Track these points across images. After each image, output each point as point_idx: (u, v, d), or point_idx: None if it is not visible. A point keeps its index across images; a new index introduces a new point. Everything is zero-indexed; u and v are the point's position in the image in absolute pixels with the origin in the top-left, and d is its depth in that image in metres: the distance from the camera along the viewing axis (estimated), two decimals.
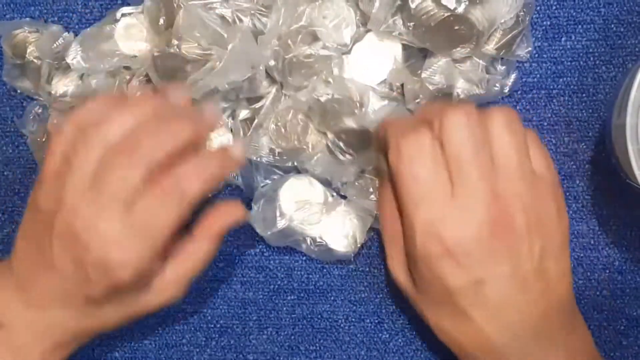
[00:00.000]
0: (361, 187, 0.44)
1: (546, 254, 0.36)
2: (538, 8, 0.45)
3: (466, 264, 0.35)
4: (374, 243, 0.47)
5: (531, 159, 0.36)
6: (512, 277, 0.35)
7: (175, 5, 0.42)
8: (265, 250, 0.46)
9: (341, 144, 0.43)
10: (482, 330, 0.36)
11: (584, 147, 0.45)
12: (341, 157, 0.43)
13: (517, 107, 0.45)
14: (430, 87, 0.43)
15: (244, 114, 0.45)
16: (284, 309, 0.47)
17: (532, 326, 0.36)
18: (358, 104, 0.42)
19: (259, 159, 0.45)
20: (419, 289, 0.38)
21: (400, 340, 0.47)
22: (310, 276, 0.47)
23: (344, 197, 0.46)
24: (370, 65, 0.43)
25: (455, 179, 0.35)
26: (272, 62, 0.43)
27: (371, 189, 0.45)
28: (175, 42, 0.40)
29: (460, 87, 0.43)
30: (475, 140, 0.35)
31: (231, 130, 0.46)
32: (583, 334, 0.39)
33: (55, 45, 0.45)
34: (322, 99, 0.42)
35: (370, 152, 0.43)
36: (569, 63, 0.45)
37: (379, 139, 0.39)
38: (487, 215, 0.34)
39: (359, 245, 0.44)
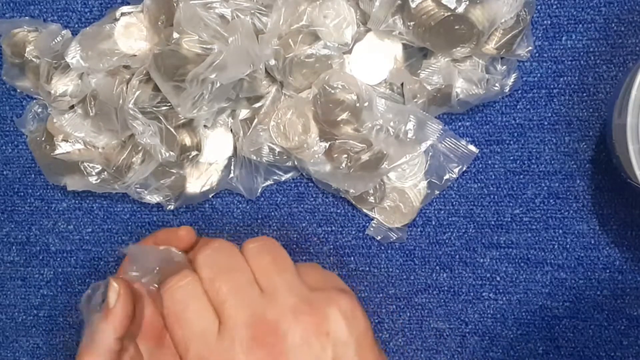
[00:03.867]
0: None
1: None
2: (538, 7, 0.44)
3: None
4: (374, 243, 0.47)
5: (303, 276, 0.36)
6: None
7: (175, 4, 0.42)
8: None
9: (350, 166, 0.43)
10: None
11: (585, 146, 0.45)
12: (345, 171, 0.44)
13: (518, 106, 0.45)
14: (429, 87, 0.43)
15: (244, 113, 0.45)
16: None
17: None
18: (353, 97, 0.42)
19: (259, 159, 0.45)
20: None
21: (400, 340, 0.47)
22: None
23: (344, 199, 0.46)
24: (371, 64, 0.43)
25: (219, 313, 0.35)
26: (272, 62, 0.43)
27: (371, 191, 0.45)
28: (176, 35, 0.40)
29: (460, 86, 0.43)
30: (229, 267, 0.35)
31: (231, 130, 0.46)
32: None
33: (54, 43, 0.44)
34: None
35: (377, 171, 0.43)
36: (569, 62, 0.45)
37: None
38: (251, 337, 0.34)
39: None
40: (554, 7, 0.45)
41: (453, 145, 0.45)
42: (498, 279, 0.46)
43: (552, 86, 0.45)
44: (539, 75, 0.45)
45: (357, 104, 0.42)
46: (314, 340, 0.34)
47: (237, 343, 0.34)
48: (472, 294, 0.46)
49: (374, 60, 0.43)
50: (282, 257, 0.37)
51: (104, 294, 0.38)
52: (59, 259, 0.49)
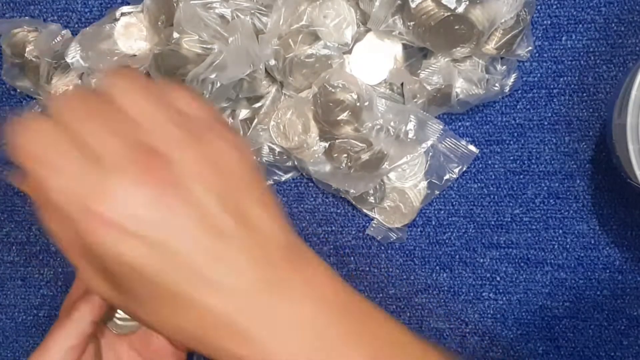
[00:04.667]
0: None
1: (233, 196, 0.30)
2: (538, 7, 0.44)
3: (141, 233, 0.28)
4: (374, 243, 0.47)
5: (178, 103, 0.31)
6: (199, 228, 0.29)
7: (174, 4, 0.42)
8: None
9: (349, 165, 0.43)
10: (203, 305, 0.30)
11: (585, 146, 0.45)
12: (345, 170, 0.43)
13: (518, 107, 0.45)
14: (429, 88, 0.43)
15: (244, 113, 0.45)
16: None
17: (258, 278, 0.30)
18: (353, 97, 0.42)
19: (259, 159, 0.45)
20: (121, 291, 0.31)
21: None
22: None
23: (344, 199, 0.46)
24: (371, 64, 0.43)
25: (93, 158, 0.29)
26: (272, 62, 0.43)
27: (371, 191, 0.45)
28: (176, 35, 0.40)
29: (460, 86, 0.43)
30: (93, 111, 0.30)
31: None
32: (321, 269, 0.34)
33: (54, 43, 0.45)
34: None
35: (378, 172, 0.43)
36: (569, 62, 0.45)
37: None
38: (137, 170, 0.29)
39: None
40: (554, 7, 0.45)
41: (453, 146, 0.45)
42: (498, 279, 0.46)
43: (552, 86, 0.45)
44: (539, 75, 0.45)
45: (358, 104, 0.42)
46: (207, 169, 0.30)
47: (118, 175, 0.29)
48: (472, 294, 0.46)
49: (374, 61, 0.43)
50: (154, 87, 0.31)
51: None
52: (59, 259, 0.49)
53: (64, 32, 0.45)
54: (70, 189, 0.29)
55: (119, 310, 0.42)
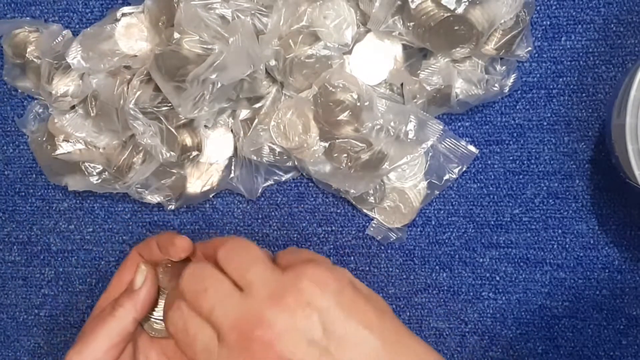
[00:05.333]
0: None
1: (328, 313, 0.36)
2: (538, 8, 0.45)
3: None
4: (374, 243, 0.47)
5: (277, 259, 0.39)
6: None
7: (175, 4, 0.42)
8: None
9: (349, 165, 0.43)
10: None
11: (584, 146, 0.45)
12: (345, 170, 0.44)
13: (517, 107, 0.45)
14: (428, 88, 0.43)
15: (244, 113, 0.45)
16: None
17: None
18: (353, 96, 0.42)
19: (259, 159, 0.45)
20: None
21: None
22: None
23: (344, 199, 0.46)
24: (371, 65, 0.43)
25: (213, 327, 0.36)
26: (272, 62, 0.43)
27: (371, 191, 0.45)
28: (176, 36, 0.40)
29: (459, 87, 0.44)
30: (206, 287, 0.37)
31: (232, 131, 0.46)
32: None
33: (55, 44, 0.45)
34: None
35: (378, 172, 0.43)
36: (568, 63, 0.45)
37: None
38: (242, 337, 0.35)
39: None
40: (554, 7, 0.45)
41: (453, 146, 0.45)
42: (497, 278, 0.46)
43: (551, 86, 0.45)
44: (538, 75, 0.45)
45: (358, 104, 0.42)
46: (299, 316, 0.35)
47: (232, 346, 0.35)
48: (471, 293, 0.46)
49: (373, 61, 0.43)
50: (250, 251, 0.38)
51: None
52: (60, 259, 0.49)
53: (65, 32, 0.45)
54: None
55: (155, 309, 0.43)
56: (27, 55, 0.46)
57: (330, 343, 0.34)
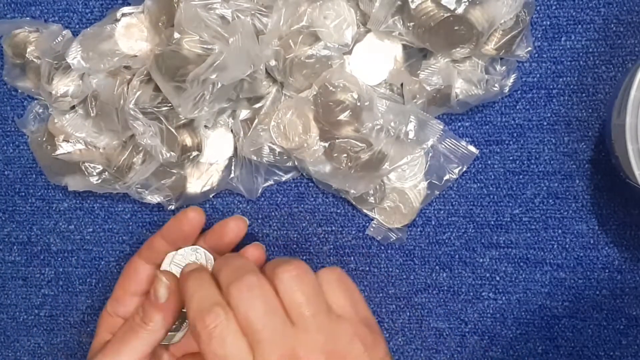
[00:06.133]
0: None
1: None
2: (538, 8, 0.45)
3: None
4: (374, 243, 0.47)
5: (331, 301, 0.37)
6: None
7: (175, 4, 0.42)
8: (265, 250, 0.47)
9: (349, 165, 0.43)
10: None
11: (584, 146, 0.45)
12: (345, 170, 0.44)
13: (517, 107, 0.45)
14: (428, 88, 0.43)
15: (244, 114, 0.45)
16: None
17: None
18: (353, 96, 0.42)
19: (259, 160, 0.45)
20: None
21: (400, 339, 0.47)
22: None
23: (346, 200, 0.46)
24: (371, 65, 0.43)
25: (253, 348, 0.35)
26: (273, 62, 0.43)
27: (371, 191, 0.45)
28: (176, 36, 0.40)
29: (459, 87, 0.44)
30: (263, 307, 0.36)
31: (232, 131, 0.46)
32: None
33: (55, 44, 0.45)
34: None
35: (378, 172, 0.43)
36: (568, 63, 0.45)
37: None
38: None
39: None
40: (553, 7, 0.45)
41: (453, 146, 0.45)
42: (497, 278, 0.46)
43: (551, 87, 0.45)
44: (538, 75, 0.45)
45: (358, 104, 0.42)
46: None
47: None
48: (471, 293, 0.46)
49: (373, 61, 0.43)
50: (312, 288, 0.37)
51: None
52: (60, 259, 0.49)
53: (64, 32, 0.45)
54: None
55: None
56: (27, 55, 0.46)
57: None
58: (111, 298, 0.44)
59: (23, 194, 0.49)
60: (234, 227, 0.44)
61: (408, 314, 0.47)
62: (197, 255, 0.43)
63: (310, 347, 0.35)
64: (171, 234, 0.43)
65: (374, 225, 0.46)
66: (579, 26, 0.45)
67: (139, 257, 0.44)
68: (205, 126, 0.45)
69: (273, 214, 0.47)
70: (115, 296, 0.44)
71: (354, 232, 0.47)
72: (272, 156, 0.45)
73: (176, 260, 0.43)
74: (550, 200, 0.45)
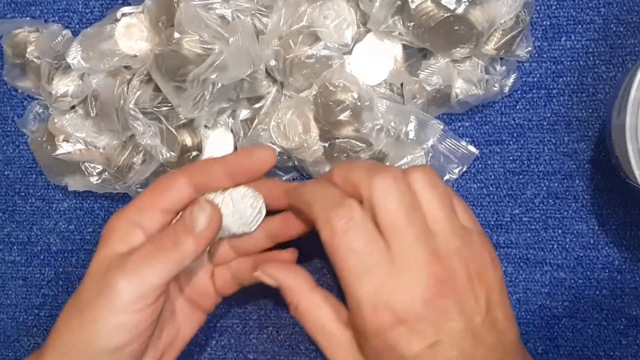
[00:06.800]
0: None
1: (492, 304, 0.35)
2: (538, 8, 0.45)
3: (420, 328, 0.33)
4: None
5: (456, 208, 0.36)
6: (465, 333, 0.34)
7: (175, 4, 0.42)
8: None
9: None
10: None
11: (584, 146, 0.45)
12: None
13: (517, 107, 0.45)
14: (428, 88, 0.43)
15: (244, 114, 0.45)
16: (285, 308, 0.47)
17: None
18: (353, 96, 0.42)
19: None
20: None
21: None
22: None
23: None
24: (371, 65, 0.43)
25: (392, 245, 0.34)
26: (273, 62, 0.43)
27: None
28: (176, 36, 0.40)
29: (459, 87, 0.44)
30: (405, 204, 0.34)
31: (231, 131, 0.46)
32: None
33: (55, 44, 0.45)
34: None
35: None
36: (568, 63, 0.45)
37: (296, 209, 0.38)
38: (431, 275, 0.34)
39: None
40: (553, 7, 0.45)
41: (453, 146, 0.45)
42: None
43: (551, 86, 0.45)
44: (538, 75, 0.45)
45: (358, 103, 0.42)
46: (475, 282, 0.34)
47: (415, 278, 0.33)
48: None
49: (373, 61, 0.43)
50: (446, 193, 0.36)
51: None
52: (60, 259, 0.49)
53: (64, 32, 0.45)
54: (367, 272, 0.34)
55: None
56: (27, 55, 0.46)
57: None
58: (133, 206, 0.39)
59: (23, 193, 0.49)
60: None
61: None
62: (253, 199, 0.40)
63: (450, 250, 0.34)
64: (234, 167, 0.39)
65: None
66: (579, 26, 0.45)
67: (184, 176, 0.39)
68: (205, 126, 0.45)
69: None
70: (140, 205, 0.39)
71: None
72: None
73: (226, 200, 0.39)
74: (550, 200, 0.45)
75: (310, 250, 0.47)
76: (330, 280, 0.47)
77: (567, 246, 0.46)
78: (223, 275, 0.42)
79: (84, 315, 0.36)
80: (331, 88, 0.42)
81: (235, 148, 0.46)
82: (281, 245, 0.41)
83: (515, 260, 0.46)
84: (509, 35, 0.42)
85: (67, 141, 0.46)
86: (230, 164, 0.39)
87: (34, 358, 0.39)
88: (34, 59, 0.45)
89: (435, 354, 0.33)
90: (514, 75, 0.44)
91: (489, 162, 0.46)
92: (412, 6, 0.40)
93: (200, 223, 0.37)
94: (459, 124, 0.46)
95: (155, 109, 0.43)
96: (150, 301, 0.36)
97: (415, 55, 0.44)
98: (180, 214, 0.39)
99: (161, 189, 0.39)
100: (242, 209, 0.40)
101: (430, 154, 0.45)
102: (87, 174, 0.45)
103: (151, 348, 0.39)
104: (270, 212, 0.40)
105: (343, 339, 0.36)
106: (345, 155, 0.43)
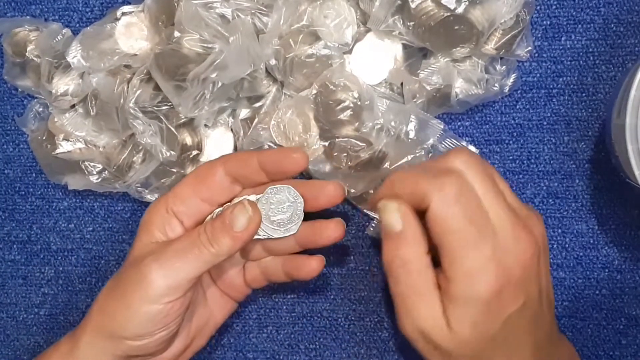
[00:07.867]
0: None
1: (545, 289, 0.38)
2: (538, 7, 0.45)
3: (521, 287, 0.36)
4: (374, 243, 0.47)
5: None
6: (539, 295, 0.37)
7: (175, 3, 0.42)
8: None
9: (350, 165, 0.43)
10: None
11: (584, 146, 0.45)
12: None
13: (517, 107, 0.45)
14: (428, 88, 0.43)
15: (244, 113, 0.45)
16: (284, 307, 0.47)
17: (548, 341, 0.38)
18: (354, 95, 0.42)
19: None
20: (460, 333, 0.36)
21: (400, 338, 0.47)
22: None
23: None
24: (371, 64, 0.43)
25: (491, 212, 0.36)
26: (273, 61, 0.43)
27: (371, 191, 0.45)
28: (177, 35, 0.40)
29: (459, 86, 0.44)
30: (492, 182, 0.36)
31: (232, 130, 0.46)
32: (569, 345, 0.42)
33: (55, 42, 0.45)
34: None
35: (378, 172, 0.43)
36: (568, 62, 0.45)
37: (387, 196, 0.38)
38: (526, 244, 0.36)
39: None
40: (554, 7, 0.45)
41: (453, 146, 0.45)
42: None
43: (551, 86, 0.45)
44: (538, 75, 0.45)
45: (359, 103, 0.42)
46: (535, 261, 0.36)
47: (517, 248, 0.35)
48: None
49: (374, 60, 0.43)
50: (494, 173, 0.38)
51: None
52: (59, 258, 0.49)
53: (64, 31, 0.45)
54: (482, 237, 0.35)
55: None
56: (27, 54, 0.46)
57: None
58: (172, 194, 0.40)
59: (23, 192, 0.49)
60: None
61: None
62: (294, 203, 0.40)
63: (531, 226, 0.36)
64: (270, 162, 0.39)
65: (373, 225, 0.46)
66: (579, 26, 0.45)
67: (223, 166, 0.40)
68: (206, 125, 0.45)
69: None
70: (179, 194, 0.40)
71: (353, 232, 0.47)
72: None
73: (266, 202, 0.40)
74: (550, 200, 0.45)
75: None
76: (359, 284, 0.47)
77: (567, 246, 0.46)
78: (253, 270, 0.44)
79: (118, 301, 0.38)
80: (331, 87, 0.42)
81: (235, 147, 0.46)
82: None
83: None
84: (509, 35, 0.42)
85: (67, 140, 0.46)
86: (267, 158, 0.40)
87: (70, 336, 0.40)
88: (34, 58, 0.45)
89: (523, 310, 0.36)
90: (514, 74, 0.44)
91: (489, 161, 0.46)
92: (412, 6, 0.40)
93: (240, 223, 0.38)
94: (459, 123, 0.46)
95: (155, 108, 0.43)
96: (181, 293, 0.37)
97: (415, 55, 0.44)
98: (217, 209, 0.40)
99: (200, 179, 0.40)
100: (281, 212, 0.40)
101: (430, 154, 0.45)
102: (87, 172, 0.45)
103: (182, 332, 0.41)
104: (307, 213, 0.41)
105: (435, 298, 0.37)
106: (345, 154, 0.43)
